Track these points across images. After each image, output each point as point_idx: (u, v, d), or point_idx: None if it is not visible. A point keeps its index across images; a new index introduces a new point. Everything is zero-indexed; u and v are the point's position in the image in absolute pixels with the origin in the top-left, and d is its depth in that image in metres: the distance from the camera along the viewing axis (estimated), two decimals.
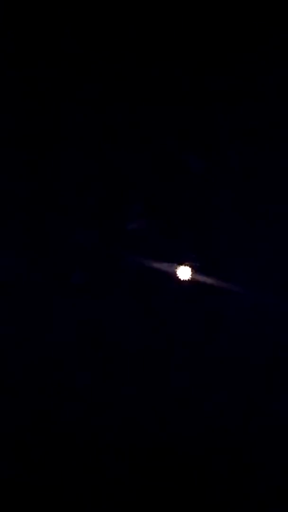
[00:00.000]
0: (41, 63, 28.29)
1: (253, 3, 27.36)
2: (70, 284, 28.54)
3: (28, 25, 27.90)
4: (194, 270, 28.79)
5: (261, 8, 27.38)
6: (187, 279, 28.07)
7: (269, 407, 27.61)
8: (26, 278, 28.51)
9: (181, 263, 28.08)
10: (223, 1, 27.32)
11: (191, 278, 28.20)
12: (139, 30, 27.86)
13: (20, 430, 27.88)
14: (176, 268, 28.09)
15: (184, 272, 28.39)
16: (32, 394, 28.06)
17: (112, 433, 27.96)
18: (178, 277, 28.14)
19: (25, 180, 29.41)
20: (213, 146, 28.17)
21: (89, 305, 28.56)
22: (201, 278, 28.93)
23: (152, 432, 27.83)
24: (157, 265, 28.61)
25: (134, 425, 28.08)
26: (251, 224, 28.14)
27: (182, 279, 28.38)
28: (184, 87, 27.87)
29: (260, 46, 27.66)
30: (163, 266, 28.39)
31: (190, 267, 28.70)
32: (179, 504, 27.43)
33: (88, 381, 28.50)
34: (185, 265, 28.37)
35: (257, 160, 28.32)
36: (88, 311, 28.68)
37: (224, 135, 27.96)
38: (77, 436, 27.98)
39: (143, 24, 27.72)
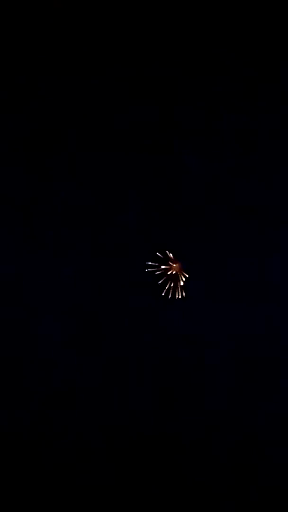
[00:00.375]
0: (41, 64, 27.57)
1: (254, 6, 26.70)
2: (61, 279, 27.62)
3: (29, 26, 27.23)
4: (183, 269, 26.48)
5: (261, 10, 26.77)
6: (181, 276, 26.27)
7: (269, 407, 26.86)
8: (19, 274, 27.80)
9: (176, 259, 26.34)
10: (225, 4, 26.63)
11: (186, 274, 26.22)
12: (140, 32, 27.20)
13: (18, 427, 27.29)
14: (171, 264, 26.27)
15: (178, 268, 26.50)
16: (28, 388, 27.56)
17: (111, 430, 27.41)
18: (173, 273, 26.39)
19: (21, 176, 28.16)
20: (213, 145, 27.45)
21: (80, 300, 27.63)
22: (197, 275, 26.89)
23: (152, 431, 27.38)
24: (151, 260, 26.70)
25: (132, 423, 27.50)
26: (250, 222, 27.35)
27: (176, 275, 26.46)
28: (185, 87, 27.29)
29: (260, 47, 27.05)
30: (158, 262, 26.60)
31: (180, 264, 26.48)
32: (180, 502, 26.60)
33: (83, 375, 27.62)
34: (178, 262, 26.41)
35: (257, 159, 27.62)
36: (80, 306, 27.66)
37: (224, 134, 27.44)
38: (74, 434, 27.38)
39: (144, 25, 27.15)
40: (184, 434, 26.78)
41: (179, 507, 26.19)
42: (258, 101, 27.07)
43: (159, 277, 26.33)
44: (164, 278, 26.31)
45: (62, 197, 27.65)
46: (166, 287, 26.10)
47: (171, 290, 26.17)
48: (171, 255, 25.89)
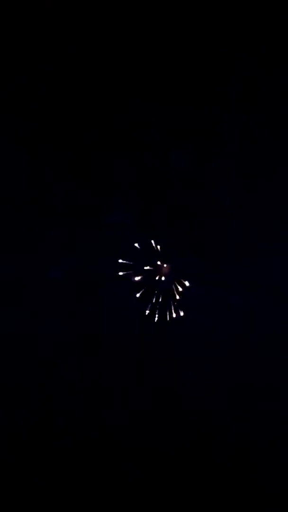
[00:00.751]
0: (38, 66, 27.29)
1: (255, 7, 26.08)
2: (48, 279, 27.45)
3: (29, 27, 26.90)
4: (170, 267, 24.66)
5: (262, 11, 26.12)
6: (176, 287, 24.59)
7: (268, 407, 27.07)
8: (8, 274, 27.59)
9: (160, 259, 24.96)
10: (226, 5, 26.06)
11: (185, 283, 24.04)
12: (137, 31, 26.67)
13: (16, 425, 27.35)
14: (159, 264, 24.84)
15: (162, 268, 24.91)
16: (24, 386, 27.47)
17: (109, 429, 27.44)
18: (161, 278, 24.80)
19: (20, 177, 27.87)
20: (210, 146, 27.05)
21: (68, 300, 27.40)
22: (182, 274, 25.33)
23: (151, 430, 27.35)
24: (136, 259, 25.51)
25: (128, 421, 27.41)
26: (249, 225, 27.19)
27: (162, 274, 24.88)
28: (181, 87, 26.76)
29: (260, 46, 26.52)
30: (142, 261, 25.23)
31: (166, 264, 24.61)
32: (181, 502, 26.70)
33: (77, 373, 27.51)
34: (162, 262, 24.63)
35: (254, 160, 27.27)
36: (68, 306, 27.42)
37: (222, 135, 27.04)
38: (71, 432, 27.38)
39: (142, 25, 26.60)
40: (184, 434, 26.91)
41: (179, 508, 26.38)
42: (256, 102, 26.63)
43: (141, 286, 22.56)
44: (147, 286, 22.75)
45: (61, 198, 27.47)
46: (153, 301, 22.40)
47: (157, 307, 22.56)
48: (158, 247, 22.58)
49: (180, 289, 22.28)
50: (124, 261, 23.69)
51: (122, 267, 24.28)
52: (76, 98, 26.95)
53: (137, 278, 22.76)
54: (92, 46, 26.42)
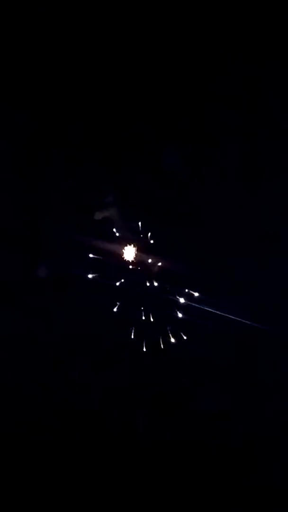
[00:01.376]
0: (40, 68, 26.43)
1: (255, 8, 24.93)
2: (40, 277, 27.06)
3: (30, 26, 25.91)
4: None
5: (262, 12, 25.00)
6: (158, 271, 23.56)
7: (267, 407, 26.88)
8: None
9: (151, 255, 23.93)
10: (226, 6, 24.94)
11: (192, 293, 22.48)
12: (137, 30, 25.51)
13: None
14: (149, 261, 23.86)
15: (155, 264, 24.09)
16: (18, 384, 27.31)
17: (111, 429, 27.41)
18: (149, 268, 23.79)
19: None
20: (200, 144, 26.34)
21: (59, 298, 27.05)
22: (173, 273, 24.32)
23: (151, 428, 27.27)
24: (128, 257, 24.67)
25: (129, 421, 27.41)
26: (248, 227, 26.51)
27: (154, 272, 24.03)
28: (179, 87, 26.03)
29: (259, 45, 25.38)
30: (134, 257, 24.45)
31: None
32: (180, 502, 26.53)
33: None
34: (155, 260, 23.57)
35: (254, 160, 26.64)
36: (59, 304, 27.06)
37: (221, 135, 26.42)
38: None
39: (143, 24, 25.44)
40: (184, 435, 26.71)
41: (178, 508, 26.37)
42: (256, 103, 25.69)
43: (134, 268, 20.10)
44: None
45: (54, 196, 26.86)
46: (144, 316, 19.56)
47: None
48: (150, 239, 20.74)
49: (182, 300, 19.61)
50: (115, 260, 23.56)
51: (113, 266, 23.94)
52: (74, 97, 26.31)
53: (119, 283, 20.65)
54: (91, 46, 25.58)
